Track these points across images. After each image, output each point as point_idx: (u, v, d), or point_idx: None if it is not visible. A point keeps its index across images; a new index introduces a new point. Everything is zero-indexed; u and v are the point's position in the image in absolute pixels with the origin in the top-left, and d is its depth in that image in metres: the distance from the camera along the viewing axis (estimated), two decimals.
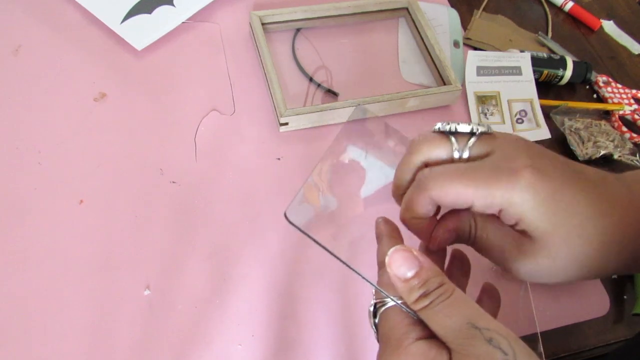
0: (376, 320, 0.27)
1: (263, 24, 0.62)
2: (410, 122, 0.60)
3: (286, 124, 0.56)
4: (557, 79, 0.67)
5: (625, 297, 0.53)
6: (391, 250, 0.25)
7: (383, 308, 0.26)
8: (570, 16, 0.76)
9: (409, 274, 0.24)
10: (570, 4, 0.76)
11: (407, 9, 0.68)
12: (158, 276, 0.48)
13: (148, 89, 0.58)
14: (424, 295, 0.24)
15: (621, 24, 0.77)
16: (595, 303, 0.52)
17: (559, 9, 0.77)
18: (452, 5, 0.72)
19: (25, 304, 0.45)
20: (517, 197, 0.27)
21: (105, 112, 0.56)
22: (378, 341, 0.27)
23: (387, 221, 0.31)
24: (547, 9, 0.76)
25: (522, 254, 0.29)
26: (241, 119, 0.58)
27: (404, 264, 0.25)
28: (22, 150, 0.52)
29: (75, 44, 0.60)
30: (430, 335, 0.25)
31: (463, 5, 0.74)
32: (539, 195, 0.27)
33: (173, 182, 0.53)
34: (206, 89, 0.59)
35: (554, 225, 0.27)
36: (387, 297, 0.26)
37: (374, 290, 0.28)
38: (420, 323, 0.26)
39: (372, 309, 0.27)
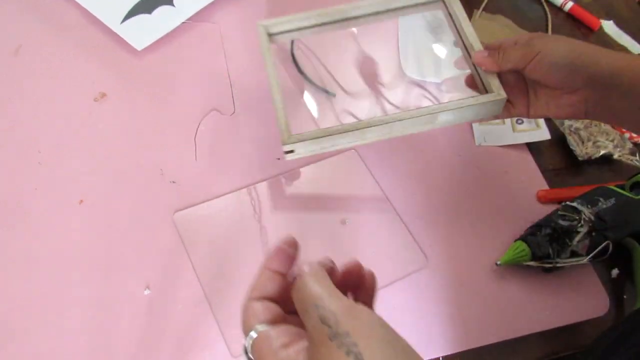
0: (250, 355, 0.31)
1: (270, 35, 0.51)
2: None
3: (291, 151, 0.46)
4: None
5: (625, 296, 0.53)
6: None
7: (250, 341, 0.30)
8: (570, 16, 0.76)
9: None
10: (570, 4, 0.76)
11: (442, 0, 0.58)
12: (158, 276, 0.48)
13: (148, 89, 0.58)
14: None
15: (621, 24, 0.77)
16: (595, 303, 0.52)
17: (558, 9, 0.77)
18: None
19: (25, 303, 0.45)
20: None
21: (105, 112, 0.56)
22: None
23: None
24: (547, 9, 0.76)
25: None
26: (241, 119, 0.58)
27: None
28: (22, 150, 0.52)
29: (75, 44, 0.60)
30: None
31: (463, 5, 0.73)
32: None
33: (173, 182, 0.53)
34: (206, 89, 0.59)
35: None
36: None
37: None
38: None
39: (244, 347, 0.31)
